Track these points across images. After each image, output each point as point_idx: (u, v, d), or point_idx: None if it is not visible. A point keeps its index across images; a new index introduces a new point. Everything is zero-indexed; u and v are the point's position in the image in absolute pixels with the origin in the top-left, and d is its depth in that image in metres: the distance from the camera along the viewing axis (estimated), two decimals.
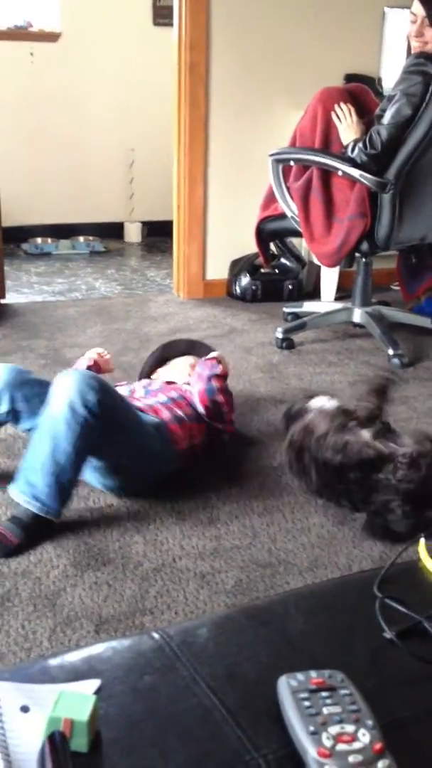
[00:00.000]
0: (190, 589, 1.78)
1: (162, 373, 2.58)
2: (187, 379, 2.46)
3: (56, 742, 0.72)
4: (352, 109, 3.12)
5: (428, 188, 3.04)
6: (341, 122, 3.12)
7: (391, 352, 3.19)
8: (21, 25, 5.06)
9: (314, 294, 4.06)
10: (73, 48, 5.16)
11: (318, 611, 1.00)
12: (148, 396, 2.31)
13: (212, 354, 2.52)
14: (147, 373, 2.64)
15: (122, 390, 2.34)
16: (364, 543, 1.97)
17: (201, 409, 2.31)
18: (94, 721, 0.77)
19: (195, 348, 2.70)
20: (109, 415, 1.96)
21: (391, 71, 3.70)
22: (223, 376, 2.37)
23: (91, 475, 2.12)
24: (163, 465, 2.18)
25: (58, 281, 4.50)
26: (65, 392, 1.92)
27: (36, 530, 1.93)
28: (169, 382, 2.45)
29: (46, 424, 1.94)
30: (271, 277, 4.03)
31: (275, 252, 3.98)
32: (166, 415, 2.20)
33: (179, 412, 2.23)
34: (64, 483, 1.93)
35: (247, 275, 4.00)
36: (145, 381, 2.50)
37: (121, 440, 2.04)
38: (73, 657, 0.92)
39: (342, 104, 3.13)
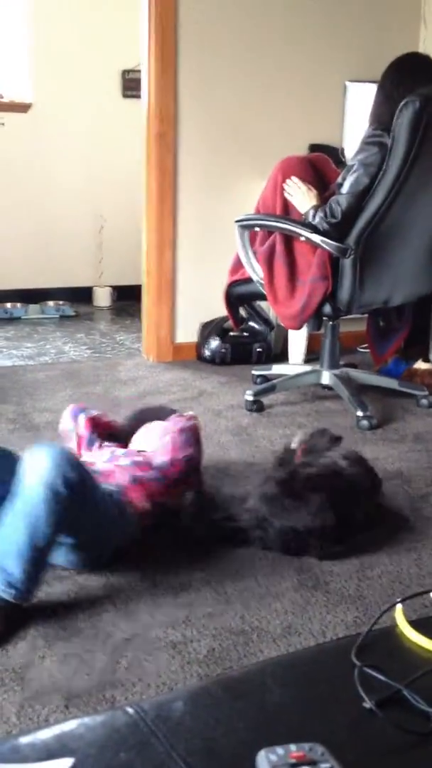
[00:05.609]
0: (162, 659, 1.74)
1: (136, 441, 2.50)
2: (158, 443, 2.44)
3: None
4: (298, 180, 3.21)
5: (388, 253, 3.11)
6: (293, 196, 3.21)
7: (359, 414, 3.21)
8: None
9: (283, 357, 4.10)
10: (43, 118, 5.27)
11: (295, 681, 0.98)
12: (110, 460, 2.24)
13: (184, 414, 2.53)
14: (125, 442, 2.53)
15: (99, 453, 2.32)
16: (337, 608, 1.95)
17: (168, 465, 2.26)
18: None
19: (164, 413, 2.67)
20: (82, 491, 1.87)
21: (353, 142, 3.82)
22: (193, 428, 2.39)
23: (55, 553, 1.94)
24: (124, 533, 2.09)
25: (27, 345, 4.50)
26: (42, 471, 1.81)
27: (12, 617, 1.82)
28: (139, 451, 2.42)
29: (22, 506, 1.81)
30: (241, 340, 4.06)
31: (244, 315, 4.03)
32: (121, 477, 2.12)
33: (138, 473, 2.16)
34: (40, 567, 1.84)
35: (217, 338, 4.03)
36: (115, 446, 2.44)
37: (89, 515, 1.95)
38: (45, 734, 0.89)
39: (288, 180, 3.22)
